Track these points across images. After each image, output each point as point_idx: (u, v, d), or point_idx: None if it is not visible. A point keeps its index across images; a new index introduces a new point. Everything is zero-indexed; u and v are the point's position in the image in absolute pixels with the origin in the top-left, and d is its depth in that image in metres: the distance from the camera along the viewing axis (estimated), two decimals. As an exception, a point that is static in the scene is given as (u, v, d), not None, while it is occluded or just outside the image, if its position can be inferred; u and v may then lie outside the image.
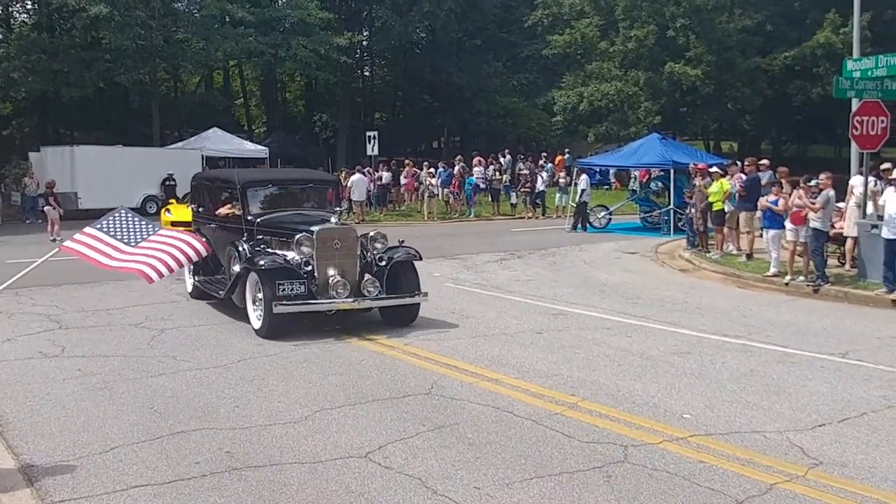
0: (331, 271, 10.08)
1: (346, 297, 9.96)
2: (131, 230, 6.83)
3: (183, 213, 20.98)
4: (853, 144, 15.74)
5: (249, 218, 11.34)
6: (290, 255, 10.24)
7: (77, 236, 6.72)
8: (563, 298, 13.00)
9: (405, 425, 6.63)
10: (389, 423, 6.72)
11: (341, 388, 7.75)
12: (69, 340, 9.92)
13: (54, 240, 21.68)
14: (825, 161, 33.27)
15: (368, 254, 10.67)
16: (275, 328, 9.83)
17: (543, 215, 29.59)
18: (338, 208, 12.50)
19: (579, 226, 24.82)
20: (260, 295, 10.03)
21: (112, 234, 6.75)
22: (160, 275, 6.68)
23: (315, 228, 10.31)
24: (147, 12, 35.54)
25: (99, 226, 6.78)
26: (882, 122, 14.13)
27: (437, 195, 30.68)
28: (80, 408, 7.20)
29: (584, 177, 25.32)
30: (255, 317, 10.19)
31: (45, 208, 23.33)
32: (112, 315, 11.55)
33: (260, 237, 10.95)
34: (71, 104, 39.79)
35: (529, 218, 29.56)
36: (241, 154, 39.20)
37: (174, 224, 19.44)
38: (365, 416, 6.92)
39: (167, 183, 31.71)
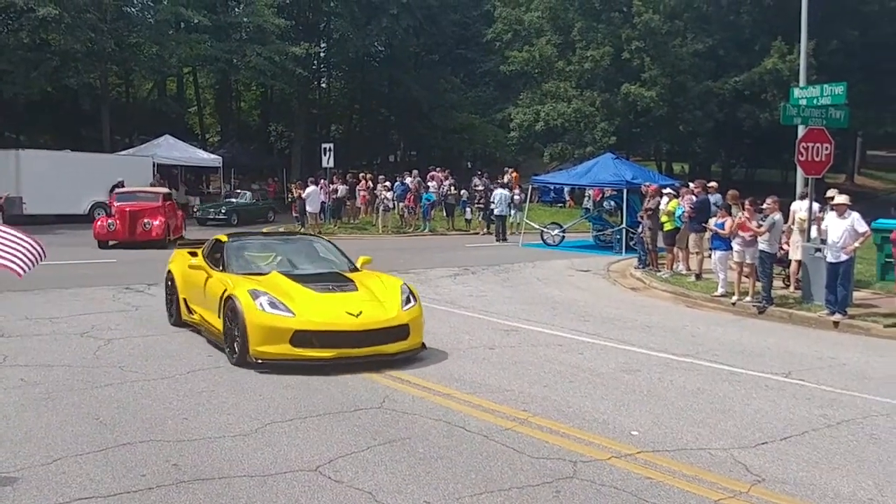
0: None
1: None
2: None
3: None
4: (799, 169, 16.12)
5: None
6: None
7: None
8: (516, 315, 13.09)
9: (356, 439, 6.62)
10: (340, 436, 6.70)
11: (292, 400, 7.71)
12: (11, 349, 9.69)
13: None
14: (772, 185, 34.03)
15: None
16: None
17: (495, 233, 29.73)
18: None
19: (498, 238, 27.02)
20: None
21: None
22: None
23: None
24: (98, 15, 34.98)
25: None
26: (826, 148, 14.51)
27: (392, 209, 30.71)
28: (21, 418, 7.05)
29: (497, 192, 27.64)
30: None
31: None
32: (57, 324, 11.33)
33: None
34: (18, 106, 38.94)
35: (484, 234, 29.71)
36: (194, 162, 38.81)
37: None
38: (316, 429, 6.88)
39: (116, 190, 31.23)
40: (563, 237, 26.14)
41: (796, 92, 15.66)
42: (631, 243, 22.27)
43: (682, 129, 40.66)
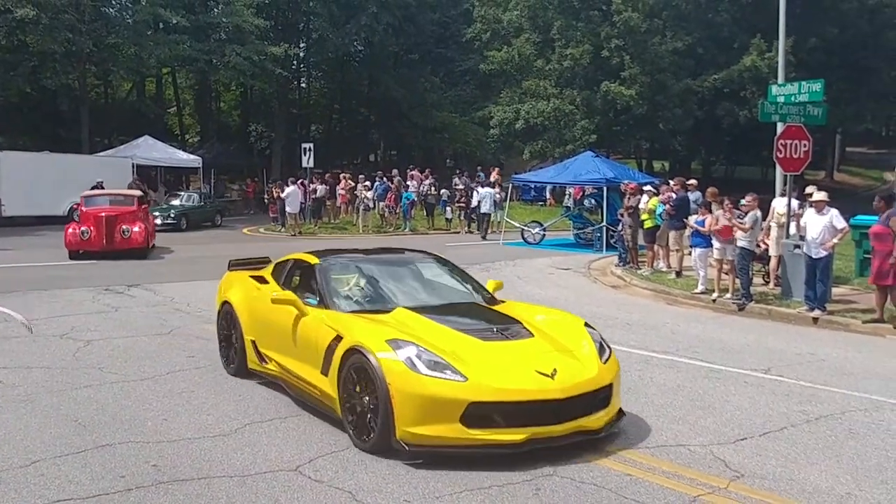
0: None
1: None
2: None
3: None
4: (778, 166, 16.24)
5: None
6: None
7: None
8: (497, 313, 13.06)
9: (336, 438, 6.60)
10: (320, 436, 6.68)
11: (271, 400, 7.68)
12: (-11, 351, 9.62)
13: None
14: (752, 182, 34.26)
15: None
16: None
17: (479, 230, 29.77)
18: None
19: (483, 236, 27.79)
20: None
21: None
22: None
23: None
24: (76, 16, 34.72)
25: None
26: (804, 145, 14.61)
27: (373, 209, 30.69)
28: (0, 420, 7.00)
29: (484, 190, 28.31)
30: None
31: None
32: (36, 325, 11.17)
33: None
34: (-5, 108, 38.62)
35: (466, 233, 29.73)
36: (174, 163, 38.60)
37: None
38: (295, 429, 6.87)
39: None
40: (544, 235, 26.19)
41: (774, 89, 15.74)
42: (611, 241, 22.35)
43: (661, 126, 40.86)
